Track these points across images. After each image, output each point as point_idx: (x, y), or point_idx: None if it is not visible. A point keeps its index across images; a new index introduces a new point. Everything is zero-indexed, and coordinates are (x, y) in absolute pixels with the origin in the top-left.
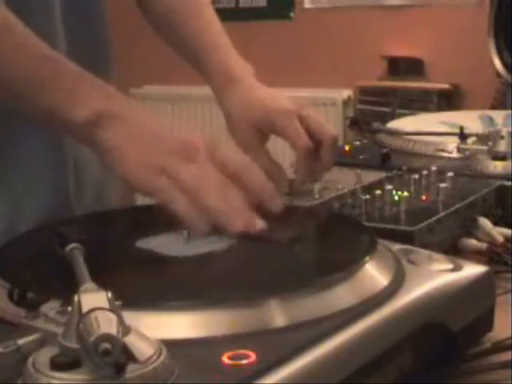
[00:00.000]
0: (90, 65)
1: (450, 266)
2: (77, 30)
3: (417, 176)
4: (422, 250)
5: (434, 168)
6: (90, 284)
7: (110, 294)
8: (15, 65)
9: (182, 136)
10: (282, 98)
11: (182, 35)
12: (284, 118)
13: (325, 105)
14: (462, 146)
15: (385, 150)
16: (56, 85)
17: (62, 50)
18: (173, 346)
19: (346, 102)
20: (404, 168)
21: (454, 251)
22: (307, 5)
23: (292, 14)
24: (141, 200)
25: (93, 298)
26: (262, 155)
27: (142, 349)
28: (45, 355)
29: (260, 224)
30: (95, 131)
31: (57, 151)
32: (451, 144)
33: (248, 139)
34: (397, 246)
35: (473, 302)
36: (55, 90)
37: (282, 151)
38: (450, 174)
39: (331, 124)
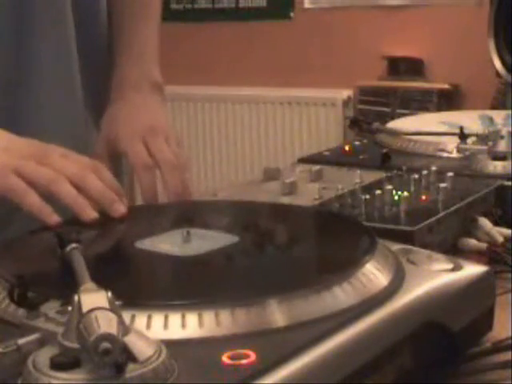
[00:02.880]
0: (99, 58)
1: (450, 266)
2: (85, 24)
3: (417, 176)
4: (422, 250)
5: (433, 168)
6: (90, 284)
7: (109, 294)
8: None
9: (35, 142)
10: (141, 120)
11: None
12: (126, 141)
13: (325, 105)
14: (462, 145)
15: (385, 150)
16: None
17: (73, 43)
18: (173, 345)
19: (346, 102)
20: (404, 168)
21: (454, 251)
22: (307, 5)
23: (292, 14)
24: (141, 200)
25: (93, 298)
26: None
27: (142, 349)
28: (45, 355)
29: (122, 209)
30: None
31: None
32: (451, 144)
33: (99, 152)
34: (397, 246)
35: (473, 302)
36: None
37: (282, 151)
38: (450, 174)
39: (331, 124)
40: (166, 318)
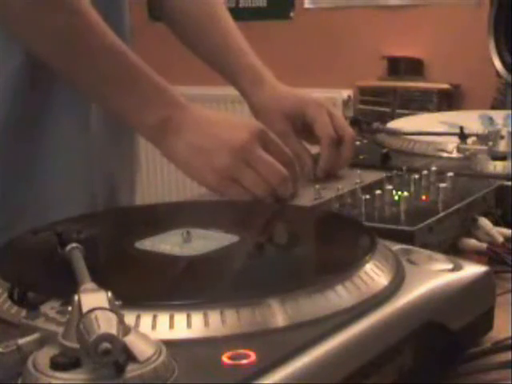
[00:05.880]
0: None
1: (450, 266)
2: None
3: (417, 176)
4: (422, 250)
5: (433, 168)
6: (90, 284)
7: (110, 294)
8: (95, 62)
9: (238, 136)
10: (304, 94)
11: (207, 42)
12: (315, 108)
13: None
14: (462, 145)
15: (385, 150)
16: (128, 88)
17: None
18: (173, 345)
19: (346, 102)
20: (404, 168)
21: (454, 251)
22: (307, 5)
23: (292, 14)
24: (141, 200)
25: (93, 298)
26: (295, 142)
27: (142, 349)
28: (45, 355)
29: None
30: (161, 139)
31: (86, 166)
32: (451, 144)
33: (282, 128)
34: (397, 246)
35: (473, 302)
36: (126, 94)
37: None
38: (450, 174)
39: None
40: (167, 318)
